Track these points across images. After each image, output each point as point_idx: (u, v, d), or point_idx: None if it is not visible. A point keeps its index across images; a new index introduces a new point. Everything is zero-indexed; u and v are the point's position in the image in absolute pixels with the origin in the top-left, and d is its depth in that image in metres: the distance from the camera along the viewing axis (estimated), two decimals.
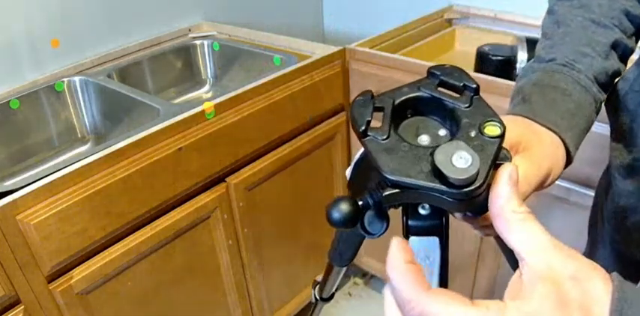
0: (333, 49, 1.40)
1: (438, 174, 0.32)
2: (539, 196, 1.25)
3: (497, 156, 0.34)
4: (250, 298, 1.47)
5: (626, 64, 0.61)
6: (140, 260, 1.14)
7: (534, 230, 0.32)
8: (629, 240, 0.63)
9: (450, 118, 0.36)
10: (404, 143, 0.35)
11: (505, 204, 0.33)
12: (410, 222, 0.37)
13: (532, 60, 0.60)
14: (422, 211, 0.37)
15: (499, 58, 1.35)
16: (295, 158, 1.40)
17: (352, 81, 1.45)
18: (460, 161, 0.31)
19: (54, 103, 1.33)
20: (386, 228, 0.40)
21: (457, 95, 0.37)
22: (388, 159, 0.34)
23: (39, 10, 1.32)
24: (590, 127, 0.55)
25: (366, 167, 0.37)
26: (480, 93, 0.37)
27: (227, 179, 1.26)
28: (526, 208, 0.33)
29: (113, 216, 1.04)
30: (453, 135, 0.36)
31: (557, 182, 1.33)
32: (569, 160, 0.52)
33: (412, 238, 0.37)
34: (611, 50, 0.57)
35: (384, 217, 0.40)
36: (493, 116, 0.35)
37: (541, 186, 0.47)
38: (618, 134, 0.62)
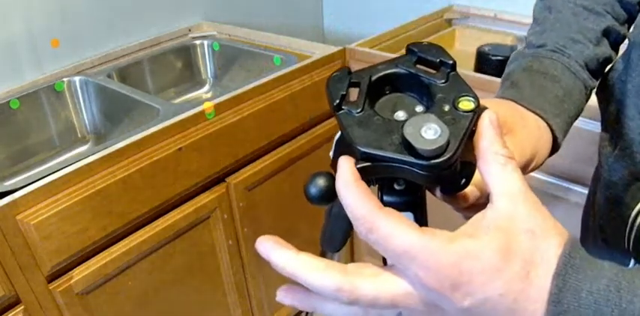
0: (333, 49, 1.40)
1: (408, 146, 0.32)
2: (538, 195, 1.25)
3: (469, 130, 0.33)
4: (250, 298, 1.47)
5: (617, 51, 0.61)
6: (140, 260, 1.14)
7: (512, 176, 0.32)
8: (617, 233, 0.63)
9: (427, 94, 0.36)
10: (377, 116, 0.35)
11: (489, 145, 0.33)
12: (385, 198, 0.37)
13: (524, 45, 0.60)
14: (396, 186, 0.37)
15: (499, 58, 1.35)
16: (295, 158, 1.40)
17: None
18: (429, 132, 0.31)
19: (54, 103, 1.33)
20: None
21: (435, 72, 0.37)
22: (360, 132, 0.34)
23: (39, 10, 1.32)
24: (579, 114, 0.55)
25: (344, 145, 0.36)
26: (436, 44, 0.38)
27: (227, 179, 1.26)
28: (508, 151, 0.33)
29: (113, 216, 1.04)
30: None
31: (556, 181, 1.32)
32: (556, 147, 0.51)
33: None
34: (602, 37, 0.57)
35: None
36: (468, 91, 0.35)
37: (524, 170, 0.47)
38: (607, 124, 0.63)
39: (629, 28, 0.61)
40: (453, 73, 0.36)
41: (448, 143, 0.32)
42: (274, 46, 1.52)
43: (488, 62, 1.38)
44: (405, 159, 0.32)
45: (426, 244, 0.30)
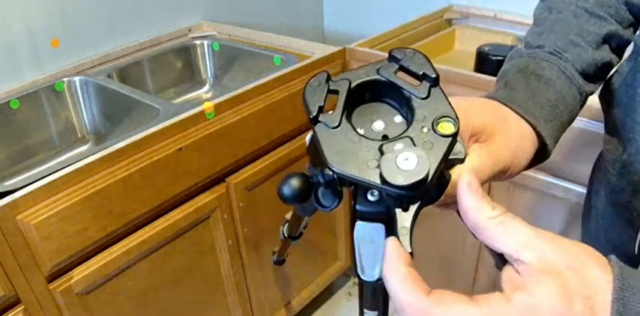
0: (333, 49, 1.40)
1: (383, 174, 0.31)
2: (539, 195, 1.25)
3: (447, 155, 0.33)
4: (250, 298, 1.47)
5: (621, 56, 0.59)
6: (140, 260, 1.14)
7: (516, 229, 0.32)
8: (624, 237, 0.63)
9: (407, 105, 0.36)
10: (354, 133, 0.34)
11: (478, 215, 0.32)
12: (357, 207, 0.36)
13: (522, 45, 0.59)
14: (370, 197, 0.36)
15: (499, 58, 1.35)
16: (295, 158, 1.40)
17: None
18: (406, 163, 0.31)
19: (54, 103, 1.33)
20: (338, 203, 0.40)
21: (417, 82, 0.36)
22: (335, 150, 0.33)
23: (39, 10, 1.32)
24: (572, 120, 0.53)
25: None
26: (420, 53, 0.36)
27: (227, 179, 1.26)
28: (500, 208, 0.33)
29: (113, 216, 1.04)
30: (408, 123, 0.35)
31: (556, 181, 1.31)
32: (546, 153, 0.50)
33: (358, 222, 0.36)
34: (603, 41, 0.56)
35: (336, 192, 0.40)
36: (448, 112, 0.34)
37: (497, 179, 0.46)
38: (612, 128, 0.62)
39: (635, 32, 0.59)
40: (434, 87, 0.35)
41: (427, 176, 0.31)
42: (274, 46, 1.52)
43: (488, 62, 1.38)
44: (378, 185, 0.32)
45: (491, 312, 0.29)
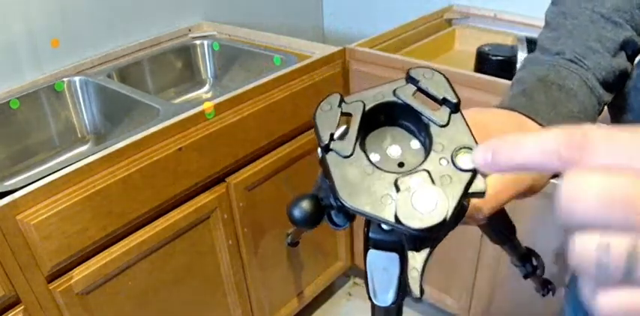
0: (333, 49, 1.40)
1: (397, 214, 0.29)
2: (542, 196, 1.25)
3: (466, 191, 0.30)
4: (250, 298, 1.47)
5: (633, 64, 0.58)
6: (140, 260, 1.14)
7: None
8: None
9: (425, 130, 0.33)
10: (367, 163, 0.31)
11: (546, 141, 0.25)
12: (371, 235, 0.34)
13: (537, 50, 0.56)
14: (384, 226, 0.34)
15: (499, 58, 1.35)
16: (295, 158, 1.40)
17: (352, 81, 1.45)
18: (422, 203, 0.28)
19: (54, 103, 1.33)
20: (351, 223, 0.39)
21: (435, 104, 0.34)
22: (347, 182, 0.31)
23: (39, 10, 1.32)
24: None
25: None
26: (440, 73, 0.34)
27: (227, 179, 1.26)
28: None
29: (113, 216, 1.04)
30: (425, 149, 0.33)
31: (557, 181, 1.33)
32: None
33: (371, 251, 0.35)
34: (620, 48, 0.54)
35: (349, 215, 0.38)
36: (469, 143, 0.32)
37: (523, 196, 0.44)
38: None
39: None
40: (455, 113, 0.33)
41: (445, 219, 0.28)
42: (274, 46, 1.52)
43: (488, 62, 1.38)
44: (392, 224, 0.30)
45: None
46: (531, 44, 1.33)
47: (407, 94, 0.34)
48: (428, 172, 0.31)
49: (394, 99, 0.34)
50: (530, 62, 0.55)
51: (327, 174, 0.32)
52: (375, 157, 0.34)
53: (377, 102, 0.34)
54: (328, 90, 1.50)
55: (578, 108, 0.50)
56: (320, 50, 1.42)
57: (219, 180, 1.25)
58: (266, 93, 1.25)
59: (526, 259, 0.62)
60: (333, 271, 1.74)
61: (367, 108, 0.33)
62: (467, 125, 0.33)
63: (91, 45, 1.44)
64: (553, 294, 0.69)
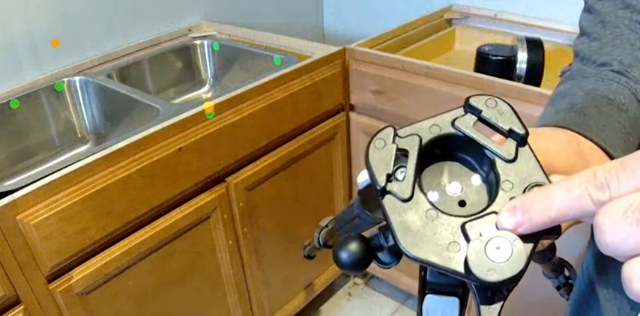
0: (333, 49, 1.40)
1: (468, 264, 0.27)
2: None
3: (541, 234, 0.27)
4: (250, 298, 1.47)
5: None
6: (140, 260, 1.14)
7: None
8: None
9: (487, 164, 0.31)
10: (429, 206, 0.29)
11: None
12: (428, 278, 0.32)
13: (578, 60, 0.54)
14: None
15: (499, 58, 1.35)
16: (295, 158, 1.40)
17: (352, 81, 1.45)
18: (497, 253, 0.26)
19: (54, 103, 1.33)
20: (400, 259, 0.36)
21: (499, 141, 0.30)
22: (408, 230, 0.28)
23: (39, 10, 1.32)
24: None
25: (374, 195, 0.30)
26: (504, 101, 0.31)
27: (227, 179, 1.26)
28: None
29: (113, 216, 1.04)
30: (487, 185, 0.31)
31: None
32: None
33: (429, 296, 0.32)
34: None
35: (399, 254, 0.35)
36: (541, 179, 0.29)
37: (572, 224, 0.41)
38: None
39: None
40: (522, 146, 0.30)
41: (524, 270, 0.26)
42: (274, 46, 1.52)
43: (489, 62, 1.37)
44: (464, 276, 0.27)
45: None
46: (531, 44, 1.33)
47: (467, 125, 0.30)
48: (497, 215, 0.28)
49: (454, 131, 0.31)
50: (575, 74, 0.53)
51: (386, 219, 0.29)
52: (433, 196, 0.31)
53: (434, 136, 0.31)
54: (328, 90, 1.51)
55: (630, 124, 0.47)
56: (320, 50, 1.42)
57: (219, 180, 1.25)
58: (266, 93, 1.25)
59: (559, 270, 0.59)
60: (333, 271, 1.74)
61: (424, 142, 0.30)
62: (536, 159, 0.30)
63: (91, 45, 1.44)
64: None
